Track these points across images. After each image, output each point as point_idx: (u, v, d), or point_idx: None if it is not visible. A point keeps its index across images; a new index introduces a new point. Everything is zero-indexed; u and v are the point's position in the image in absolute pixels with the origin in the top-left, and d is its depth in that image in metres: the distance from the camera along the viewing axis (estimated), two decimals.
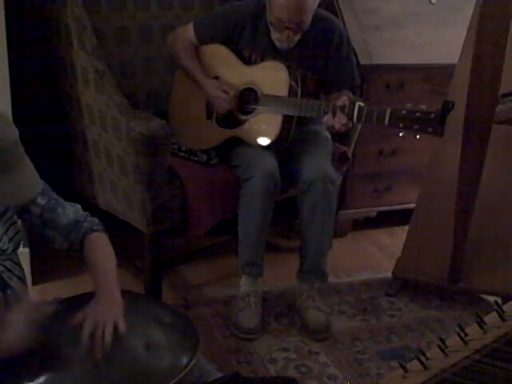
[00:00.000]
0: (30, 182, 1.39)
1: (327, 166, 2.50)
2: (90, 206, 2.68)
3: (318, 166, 2.46)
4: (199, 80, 2.60)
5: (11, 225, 1.54)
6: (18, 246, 1.57)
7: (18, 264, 1.57)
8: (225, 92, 2.54)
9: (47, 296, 2.52)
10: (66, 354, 1.41)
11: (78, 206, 1.70)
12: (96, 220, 1.71)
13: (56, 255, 2.64)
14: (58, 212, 1.63)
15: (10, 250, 1.52)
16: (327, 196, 2.45)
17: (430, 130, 2.17)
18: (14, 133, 1.37)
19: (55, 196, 1.65)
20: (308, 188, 2.44)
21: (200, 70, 2.62)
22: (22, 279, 1.55)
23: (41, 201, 1.60)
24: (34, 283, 2.61)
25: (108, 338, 1.42)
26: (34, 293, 2.48)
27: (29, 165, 1.40)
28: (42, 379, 1.37)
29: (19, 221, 1.59)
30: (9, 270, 1.51)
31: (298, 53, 2.53)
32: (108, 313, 1.46)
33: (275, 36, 2.48)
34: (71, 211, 1.66)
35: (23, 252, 2.51)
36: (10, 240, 1.53)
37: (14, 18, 2.60)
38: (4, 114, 1.38)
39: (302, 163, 2.49)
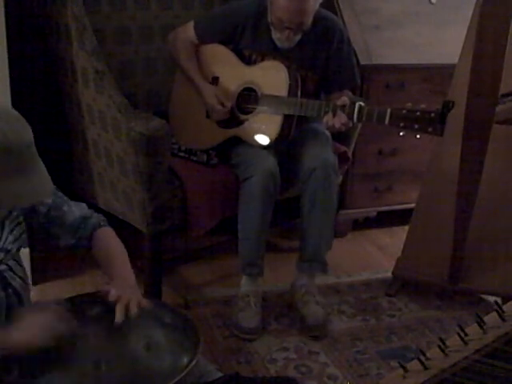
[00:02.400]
0: (43, 182, 1.41)
1: (328, 153, 2.50)
2: (90, 206, 2.70)
3: (318, 153, 2.46)
4: (197, 84, 2.61)
5: (17, 225, 1.55)
6: (21, 246, 1.58)
7: (20, 264, 1.57)
8: (221, 103, 2.54)
9: (47, 296, 2.52)
10: (66, 354, 1.41)
11: (84, 205, 1.72)
12: (102, 216, 1.74)
13: (56, 255, 2.66)
14: (64, 210, 1.65)
15: (14, 250, 1.53)
16: (329, 183, 2.44)
17: (430, 129, 2.17)
18: (29, 134, 1.38)
19: (60, 194, 1.66)
20: (309, 175, 2.43)
21: (198, 73, 2.62)
22: (23, 279, 1.56)
23: (47, 199, 1.61)
24: (34, 283, 2.61)
25: (134, 309, 1.46)
26: (34, 293, 2.48)
27: (41, 166, 1.42)
28: (42, 379, 1.36)
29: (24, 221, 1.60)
30: (11, 270, 1.51)
31: (299, 52, 2.53)
32: (130, 292, 1.51)
33: (276, 36, 2.49)
34: (77, 209, 1.68)
35: (23, 252, 2.50)
36: (15, 240, 1.54)
37: (14, 18, 2.60)
38: (20, 115, 1.40)
39: (302, 154, 2.49)
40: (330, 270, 2.61)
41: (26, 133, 1.38)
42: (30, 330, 1.38)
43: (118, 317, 1.46)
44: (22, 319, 1.40)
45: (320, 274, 2.59)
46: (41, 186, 1.41)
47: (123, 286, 1.54)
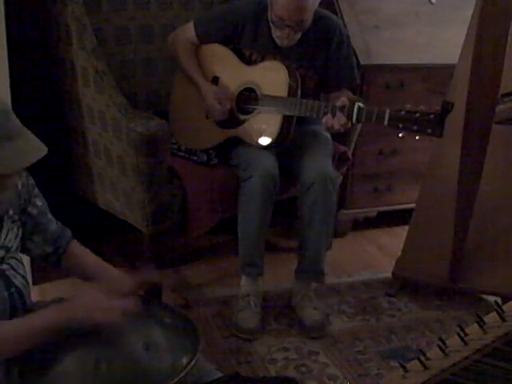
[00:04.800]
0: (34, 144, 1.40)
1: (327, 165, 2.50)
2: (90, 206, 2.70)
3: (318, 166, 2.46)
4: (198, 83, 2.60)
5: (14, 222, 1.55)
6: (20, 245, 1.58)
7: (21, 262, 1.57)
8: (220, 103, 2.54)
9: (47, 296, 2.52)
10: (66, 355, 1.41)
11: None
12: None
13: None
14: (49, 217, 1.66)
15: (14, 248, 1.53)
16: (327, 196, 2.45)
17: (429, 131, 2.17)
18: (4, 104, 1.39)
19: (44, 200, 1.66)
20: (308, 188, 2.44)
21: (199, 72, 2.62)
22: (25, 278, 1.56)
23: (38, 202, 1.62)
24: (34, 283, 2.61)
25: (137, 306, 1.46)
26: (34, 293, 2.48)
27: (29, 132, 1.41)
28: (42, 379, 1.36)
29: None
30: (13, 269, 1.51)
31: (299, 51, 2.53)
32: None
33: (276, 34, 2.49)
34: (52, 217, 1.70)
35: None
36: (15, 238, 1.54)
37: (13, 18, 2.60)
38: None
39: (302, 163, 2.49)
40: (328, 274, 2.62)
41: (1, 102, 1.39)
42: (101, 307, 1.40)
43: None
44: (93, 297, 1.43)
45: (316, 283, 2.59)
46: (33, 146, 1.39)
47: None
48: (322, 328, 2.50)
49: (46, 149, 1.41)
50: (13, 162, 1.37)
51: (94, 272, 1.68)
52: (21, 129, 1.39)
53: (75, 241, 1.72)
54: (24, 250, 1.65)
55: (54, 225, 1.67)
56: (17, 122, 1.39)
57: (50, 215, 1.67)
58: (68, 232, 1.70)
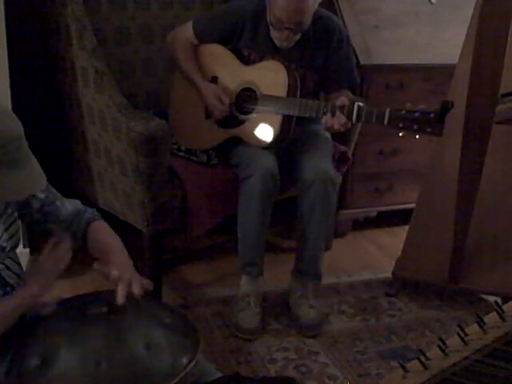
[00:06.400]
0: (35, 176, 1.41)
1: (328, 165, 2.50)
2: (90, 206, 2.69)
3: (318, 165, 2.46)
4: (196, 83, 2.60)
5: (12, 223, 1.55)
6: (17, 245, 1.58)
7: (17, 262, 1.57)
8: (220, 101, 2.54)
9: (47, 296, 2.52)
10: (67, 354, 1.41)
11: (77, 201, 1.73)
12: (95, 211, 1.75)
13: None
14: (58, 205, 1.66)
15: (8, 248, 1.53)
16: (327, 197, 2.45)
17: (429, 129, 2.17)
18: (19, 127, 1.38)
19: (53, 190, 1.67)
20: (308, 188, 2.44)
21: (198, 72, 2.62)
22: (20, 277, 1.56)
23: (40, 195, 1.62)
24: None
25: (136, 289, 1.48)
26: None
27: (33, 159, 1.42)
28: (42, 380, 1.36)
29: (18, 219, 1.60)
30: (8, 268, 1.52)
31: (298, 52, 2.53)
32: (131, 274, 1.53)
33: (275, 35, 2.49)
34: (70, 204, 1.69)
35: (23, 252, 2.51)
36: (11, 238, 1.54)
37: (14, 18, 2.60)
38: (8, 109, 1.41)
39: (302, 163, 2.49)
40: (328, 274, 2.63)
41: (15, 125, 1.37)
42: (37, 283, 1.44)
43: (120, 298, 1.47)
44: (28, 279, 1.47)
45: (312, 282, 2.59)
46: (33, 178, 1.41)
47: (123, 268, 1.54)
48: (317, 327, 2.50)
49: (45, 179, 1.44)
50: (12, 191, 1.38)
51: (101, 257, 1.67)
52: (28, 157, 1.40)
53: (95, 223, 1.69)
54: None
55: (65, 211, 1.66)
56: (26, 149, 1.39)
57: (59, 202, 1.65)
58: (86, 216, 1.68)
